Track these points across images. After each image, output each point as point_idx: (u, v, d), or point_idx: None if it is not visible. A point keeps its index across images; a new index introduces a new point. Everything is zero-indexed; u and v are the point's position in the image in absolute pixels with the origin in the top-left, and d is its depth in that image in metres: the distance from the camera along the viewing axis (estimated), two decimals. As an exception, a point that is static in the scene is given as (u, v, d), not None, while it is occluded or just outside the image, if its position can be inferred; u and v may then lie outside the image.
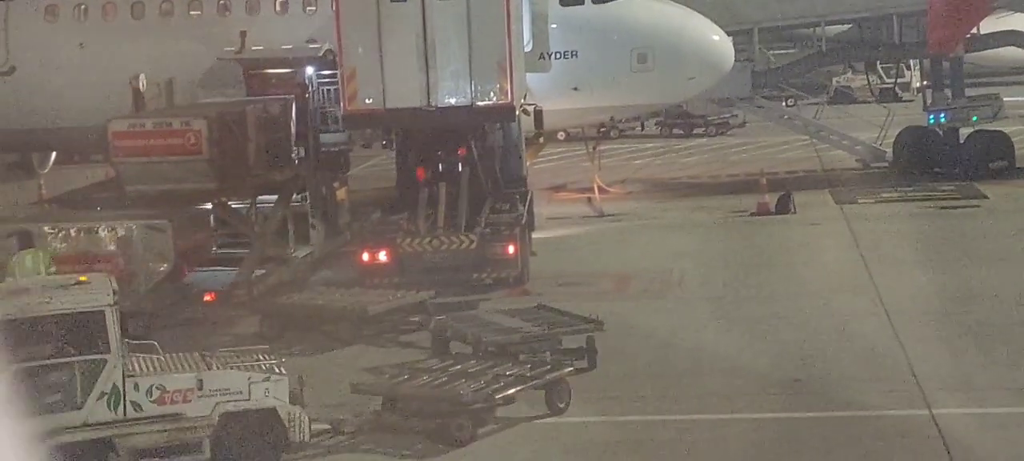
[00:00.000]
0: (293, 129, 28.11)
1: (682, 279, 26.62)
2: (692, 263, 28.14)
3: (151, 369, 16.06)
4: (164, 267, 23.68)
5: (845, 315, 22.96)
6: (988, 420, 17.10)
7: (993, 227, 31.01)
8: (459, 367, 18.47)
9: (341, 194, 30.63)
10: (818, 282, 25.89)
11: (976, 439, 16.26)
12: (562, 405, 17.89)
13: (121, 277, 22.84)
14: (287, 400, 16.17)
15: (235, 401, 15.87)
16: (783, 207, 34.08)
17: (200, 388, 15.77)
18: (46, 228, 23.80)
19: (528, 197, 29.01)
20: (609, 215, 35.02)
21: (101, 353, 15.45)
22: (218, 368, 16.25)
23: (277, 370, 16.44)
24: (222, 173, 25.16)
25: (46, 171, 38.36)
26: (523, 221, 26.94)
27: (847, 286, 25.28)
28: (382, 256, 25.58)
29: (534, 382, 17.95)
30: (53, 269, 21.45)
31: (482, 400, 17.15)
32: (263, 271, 26.33)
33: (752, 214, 34.12)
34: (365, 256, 25.78)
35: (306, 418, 16.28)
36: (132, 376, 15.68)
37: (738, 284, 26.04)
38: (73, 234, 23.66)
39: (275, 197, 27.93)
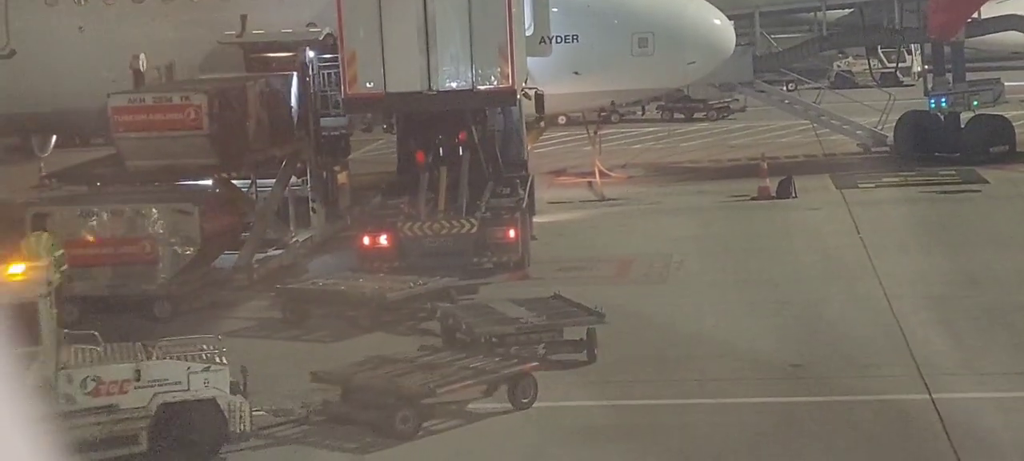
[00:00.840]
0: (294, 104, 28.13)
1: (682, 263, 26.62)
2: (693, 248, 28.13)
3: (88, 361, 15.73)
4: (190, 251, 23.62)
5: (845, 300, 22.96)
6: (988, 404, 17.10)
7: (993, 212, 31.01)
8: (429, 359, 18.21)
9: (342, 178, 30.66)
10: (818, 267, 25.89)
11: (976, 423, 16.27)
12: (525, 400, 17.41)
13: (148, 260, 22.92)
14: (227, 390, 15.81)
15: (173, 392, 15.52)
16: (784, 192, 34.05)
17: (137, 379, 15.41)
18: (75, 211, 23.91)
19: (529, 181, 29.00)
20: (610, 199, 35.00)
21: (32, 346, 15.00)
22: (157, 358, 15.88)
23: (218, 360, 16.10)
24: (222, 148, 25.16)
25: (47, 154, 38.31)
26: (524, 205, 26.92)
27: (847, 271, 25.28)
28: (383, 240, 25.57)
29: (488, 376, 17.51)
30: (60, 252, 21.41)
31: (424, 393, 16.71)
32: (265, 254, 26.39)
33: (753, 199, 34.11)
34: (366, 240, 25.77)
35: (248, 408, 15.97)
36: (65, 368, 15.34)
37: (738, 269, 26.04)
38: (101, 217, 23.67)
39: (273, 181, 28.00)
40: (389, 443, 16.36)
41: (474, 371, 17.59)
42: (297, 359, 20.17)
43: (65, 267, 21.26)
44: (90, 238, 23.40)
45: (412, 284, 22.90)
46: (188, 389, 15.59)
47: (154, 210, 23.71)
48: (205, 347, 16.60)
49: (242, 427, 15.89)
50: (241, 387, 16.24)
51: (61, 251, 21.23)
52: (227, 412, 15.75)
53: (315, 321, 22.66)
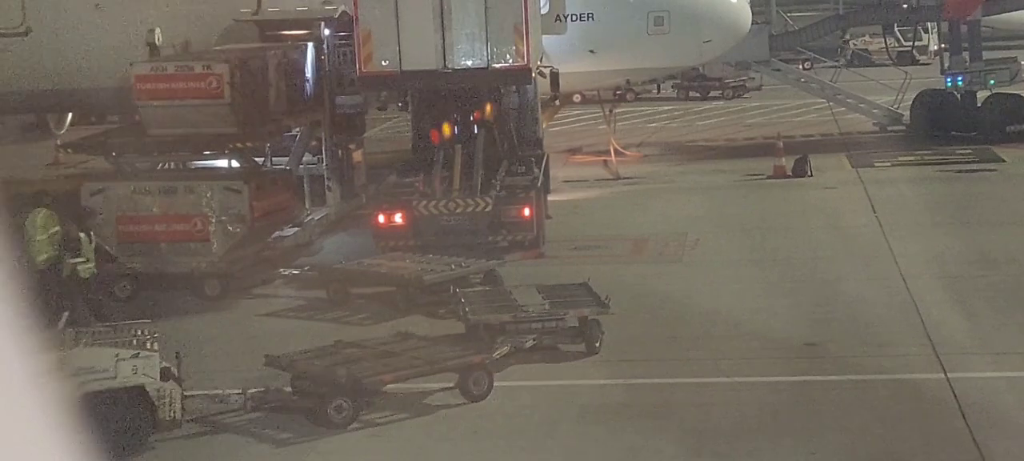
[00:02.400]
0: (309, 76, 28.20)
1: (698, 242, 26.60)
2: (708, 226, 28.12)
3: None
4: (240, 229, 23.64)
5: (861, 279, 22.94)
6: (1004, 384, 17.09)
7: (1010, 191, 30.94)
8: (389, 346, 17.92)
9: (357, 156, 30.69)
10: (834, 246, 25.87)
11: (991, 403, 16.25)
12: (477, 392, 16.99)
13: (199, 238, 22.97)
14: (158, 377, 15.53)
15: (100, 380, 15.17)
16: (799, 170, 34.01)
17: (61, 368, 14.93)
18: (128, 187, 24.00)
19: (544, 160, 29.00)
20: (625, 178, 35.00)
21: None
22: (85, 346, 15.69)
23: (149, 346, 15.85)
24: (243, 117, 25.23)
25: (62, 132, 38.40)
26: (538, 184, 26.92)
27: (863, 250, 25.26)
28: (397, 218, 25.59)
29: (437, 367, 17.18)
30: (55, 229, 21.46)
31: (356, 384, 16.39)
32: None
33: (768, 177, 34.07)
34: (380, 218, 25.79)
35: (179, 395, 15.75)
36: None
37: (754, 248, 26.02)
38: (152, 194, 23.74)
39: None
40: (321, 433, 16.14)
41: (425, 361, 17.26)
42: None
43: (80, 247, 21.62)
44: (143, 214, 23.44)
45: (453, 266, 22.62)
46: (115, 377, 15.27)
47: (205, 187, 23.74)
48: (138, 333, 16.38)
49: (172, 415, 15.64)
50: (174, 373, 15.96)
51: (56, 229, 21.41)
52: (156, 399, 15.46)
53: (358, 302, 22.51)
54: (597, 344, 19.01)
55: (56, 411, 3.38)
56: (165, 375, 15.79)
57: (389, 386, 16.96)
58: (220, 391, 17.32)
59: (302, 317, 22.13)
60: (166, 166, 27.31)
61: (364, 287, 22.90)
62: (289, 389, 17.19)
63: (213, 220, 23.34)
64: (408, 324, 20.41)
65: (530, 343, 18.87)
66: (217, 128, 25.08)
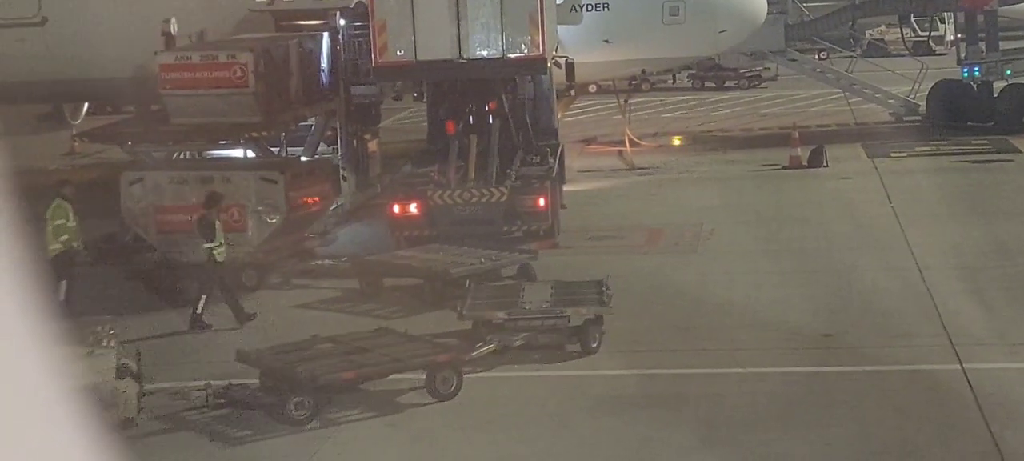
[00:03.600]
0: (326, 64, 28.25)
1: (713, 233, 26.57)
2: (723, 217, 28.08)
3: None
4: (276, 219, 23.64)
5: (876, 270, 22.89)
6: (1019, 375, 17.05)
7: (1027, 182, 30.87)
8: (361, 343, 17.77)
9: (372, 146, 30.69)
10: (849, 236, 25.81)
11: (1007, 394, 16.21)
12: (444, 391, 16.75)
13: (236, 228, 22.99)
14: (113, 375, 15.46)
15: None
16: (815, 161, 33.95)
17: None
18: (165, 177, 24.04)
19: (559, 150, 28.97)
20: (640, 168, 34.96)
21: None
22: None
23: (104, 343, 15.73)
24: (266, 106, 25.30)
25: (78, 122, 38.47)
26: (553, 174, 26.89)
27: (879, 240, 25.20)
28: (412, 208, 25.58)
29: (404, 365, 17.01)
30: (60, 221, 21.54)
31: (314, 381, 16.24)
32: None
33: (784, 168, 34.02)
34: (396, 208, 25.78)
35: (134, 393, 15.69)
36: None
37: (769, 238, 25.98)
38: (190, 183, 23.77)
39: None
40: (279, 432, 16.01)
41: (392, 359, 17.12)
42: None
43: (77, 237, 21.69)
44: (180, 204, 23.48)
45: (482, 260, 22.48)
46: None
47: (241, 177, 23.73)
48: (97, 329, 16.30)
49: (125, 413, 15.58)
50: (133, 370, 15.87)
51: (61, 221, 21.48)
52: (111, 398, 15.36)
53: (390, 295, 22.36)
54: (594, 344, 18.61)
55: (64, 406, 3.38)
56: (123, 372, 15.68)
57: (395, 377, 16.97)
58: (184, 385, 17.23)
59: (333, 309, 21.94)
60: (183, 155, 27.36)
61: (396, 279, 22.74)
62: (257, 384, 17.06)
63: (250, 210, 23.29)
64: (434, 318, 20.39)
65: (519, 341, 18.45)
66: (241, 117, 25.16)
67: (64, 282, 21.35)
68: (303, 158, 28.03)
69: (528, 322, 18.76)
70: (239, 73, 24.90)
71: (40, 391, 3.28)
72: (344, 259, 24.50)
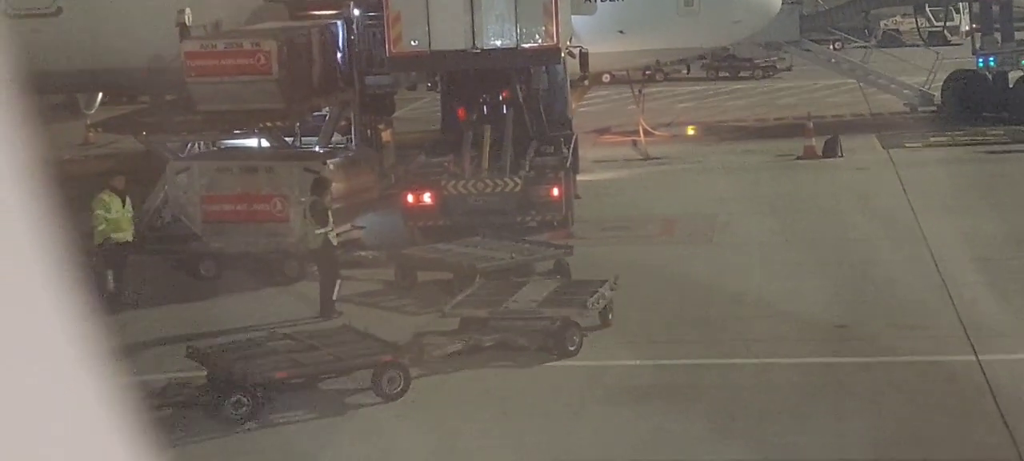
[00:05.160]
0: (341, 54, 28.28)
1: (728, 223, 26.53)
2: (738, 207, 28.04)
3: None
4: None
5: (891, 260, 22.84)
6: (1035, 367, 17.00)
7: (1042, 172, 30.76)
8: (314, 341, 17.55)
9: (386, 136, 30.69)
10: (864, 227, 25.76)
11: (1023, 385, 16.16)
12: (390, 391, 16.53)
13: (279, 219, 23.01)
14: None
15: None
16: (830, 151, 33.91)
17: None
18: (212, 166, 24.13)
19: (573, 140, 28.94)
20: (654, 158, 34.93)
21: None
22: None
23: None
24: (290, 93, 25.43)
25: (92, 112, 38.53)
26: (567, 164, 26.87)
27: (894, 231, 25.14)
28: (426, 198, 25.59)
29: (345, 365, 16.88)
30: (99, 211, 21.71)
31: (246, 379, 16.11)
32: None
33: (799, 158, 33.97)
34: (410, 198, 25.78)
35: None
36: None
37: (784, 228, 25.93)
38: (234, 174, 23.85)
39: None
40: (213, 433, 15.87)
41: (335, 358, 16.99)
42: (388, 330, 19.71)
43: (108, 226, 21.77)
44: (225, 194, 23.54)
45: (512, 256, 22.25)
46: None
47: (284, 168, 23.77)
48: None
49: None
50: None
51: (98, 211, 21.62)
52: None
53: (424, 289, 22.09)
54: (571, 348, 18.11)
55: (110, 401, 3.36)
56: None
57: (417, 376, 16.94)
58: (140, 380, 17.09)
59: (366, 303, 21.70)
60: (200, 145, 27.40)
61: (430, 272, 22.48)
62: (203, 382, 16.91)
63: (292, 201, 23.25)
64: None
65: (489, 342, 18.15)
66: (264, 104, 25.27)
67: (110, 272, 21.49)
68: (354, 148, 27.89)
69: (510, 322, 18.53)
70: (263, 60, 25.06)
71: (77, 387, 3.27)
72: (378, 253, 24.33)
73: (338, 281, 21.07)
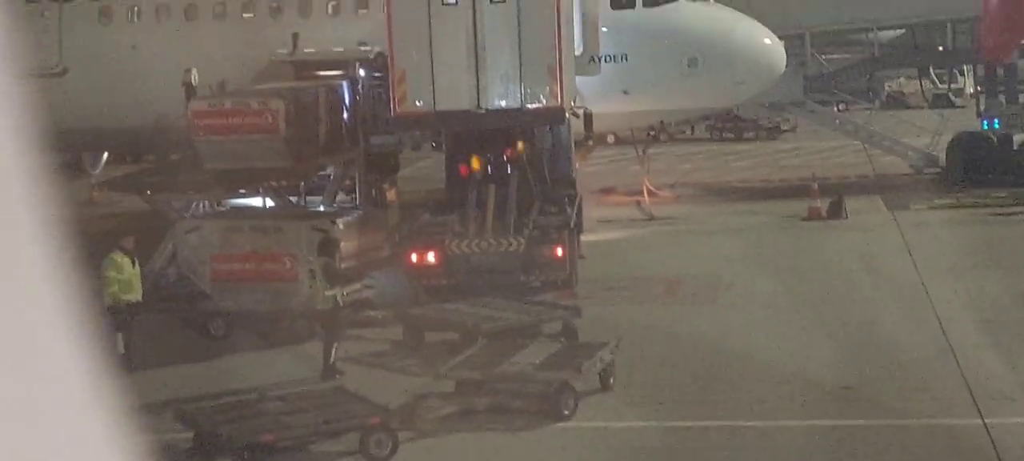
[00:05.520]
0: (347, 113, 28.37)
1: (732, 284, 26.48)
2: (742, 268, 28.00)
3: None
4: None
5: (897, 322, 22.78)
6: (1042, 430, 16.92)
7: (1047, 234, 30.72)
8: (306, 402, 17.50)
9: (390, 195, 30.71)
10: (870, 288, 25.70)
11: (1029, 449, 16.09)
12: (378, 454, 16.36)
13: (288, 278, 22.93)
14: None
15: None
16: (835, 212, 33.89)
17: None
18: (222, 225, 24.15)
19: (577, 200, 28.94)
20: (658, 218, 34.92)
21: None
22: None
23: None
24: (297, 152, 25.50)
25: (98, 171, 38.63)
26: (571, 223, 26.86)
27: (899, 293, 25.09)
28: (430, 257, 25.57)
29: (329, 429, 16.79)
30: (110, 272, 21.64)
31: (239, 443, 16.12)
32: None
33: (803, 219, 33.94)
34: (413, 257, 25.76)
35: None
36: None
37: (789, 289, 25.88)
38: (244, 233, 23.86)
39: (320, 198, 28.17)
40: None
41: (324, 420, 16.90)
42: (389, 391, 19.68)
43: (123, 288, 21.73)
44: (235, 253, 23.54)
45: (518, 316, 22.07)
46: None
47: (293, 227, 23.77)
48: None
49: None
50: None
51: (110, 272, 21.57)
52: None
53: (430, 350, 21.76)
54: (566, 412, 17.87)
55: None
56: None
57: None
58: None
59: (372, 363, 21.55)
60: (205, 204, 27.43)
61: (438, 332, 22.28)
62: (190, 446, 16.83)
63: (301, 260, 23.17)
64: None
65: (483, 405, 18.02)
66: (271, 162, 25.34)
67: (121, 334, 21.40)
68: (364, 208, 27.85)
69: (505, 384, 18.39)
70: (270, 119, 25.14)
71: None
72: (386, 313, 24.24)
73: (336, 343, 20.98)
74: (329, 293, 21.15)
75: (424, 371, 20.51)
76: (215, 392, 19.45)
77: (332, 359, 20.81)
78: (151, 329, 23.24)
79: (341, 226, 24.03)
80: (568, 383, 18.17)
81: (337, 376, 20.35)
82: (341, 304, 21.36)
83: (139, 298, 22.16)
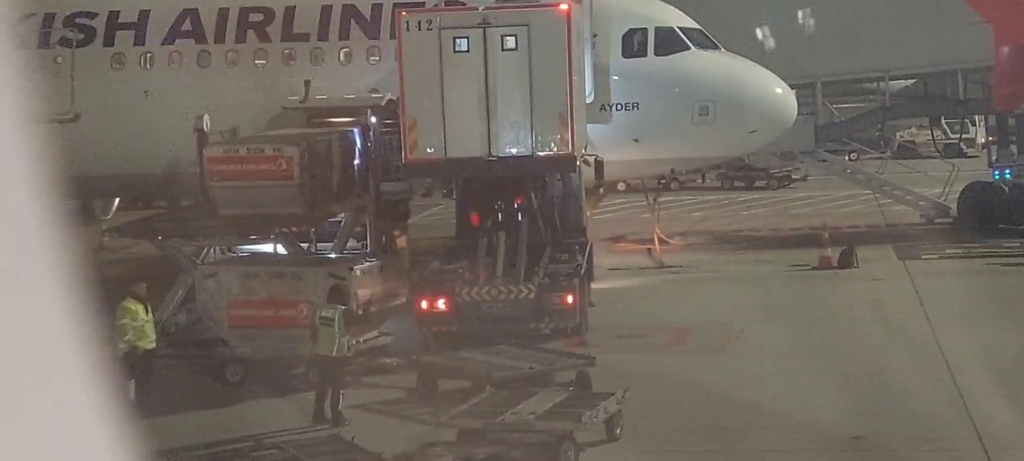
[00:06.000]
0: (358, 160, 28.42)
1: (742, 333, 26.43)
2: (753, 317, 27.94)
3: None
4: None
5: (907, 372, 22.71)
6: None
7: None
8: (299, 452, 17.50)
9: (401, 242, 30.71)
10: (880, 338, 25.64)
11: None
12: None
13: (304, 325, 22.87)
14: None
15: None
16: (846, 262, 33.84)
17: None
18: (239, 271, 24.16)
19: (587, 247, 28.93)
20: (669, 267, 34.89)
21: None
22: None
23: None
24: (310, 199, 25.58)
25: (109, 217, 38.66)
26: (582, 271, 26.83)
27: (910, 343, 25.02)
28: (441, 304, 25.56)
29: None
30: (124, 320, 21.59)
31: None
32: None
33: (814, 268, 33.90)
34: (424, 304, 25.74)
35: None
36: None
37: (799, 339, 25.82)
38: (261, 279, 23.86)
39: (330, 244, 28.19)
40: None
41: None
42: (395, 439, 19.62)
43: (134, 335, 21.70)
44: (252, 299, 23.53)
45: (531, 365, 22.00)
46: None
47: (310, 274, 23.76)
48: None
49: None
50: None
51: (124, 319, 21.56)
52: None
53: (443, 398, 21.55)
54: None
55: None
56: None
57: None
58: None
59: (386, 412, 21.53)
60: (215, 251, 27.46)
61: (451, 380, 22.17)
62: None
63: (318, 308, 23.15)
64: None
65: (482, 455, 17.99)
66: (285, 209, 25.44)
67: (132, 382, 21.35)
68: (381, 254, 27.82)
69: (506, 434, 18.28)
70: (284, 166, 25.23)
71: None
72: (401, 360, 24.13)
73: (342, 391, 20.92)
74: (344, 340, 21.14)
75: (431, 419, 20.50)
76: (209, 440, 19.41)
77: (337, 406, 20.72)
78: (166, 375, 23.21)
79: (358, 273, 23.99)
80: (569, 434, 18.08)
81: (345, 423, 20.30)
82: (349, 352, 21.32)
83: (152, 345, 22.13)
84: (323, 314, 21.40)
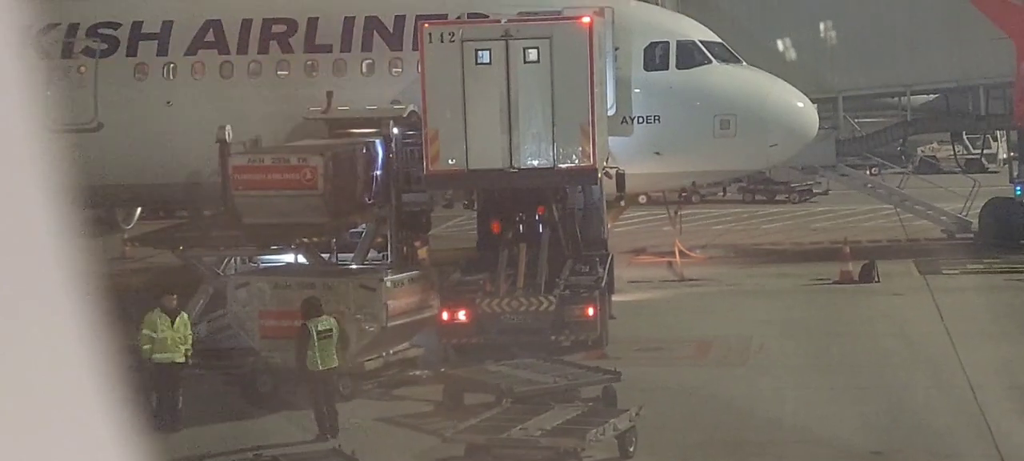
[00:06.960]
0: (380, 171, 28.49)
1: (763, 346, 26.40)
2: (773, 331, 27.91)
3: None
4: (374, 328, 23.40)
5: (928, 387, 22.66)
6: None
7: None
8: None
9: (422, 253, 30.78)
10: (901, 353, 25.58)
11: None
12: None
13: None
14: None
15: None
16: (866, 276, 33.77)
17: None
18: (270, 282, 24.16)
19: (608, 260, 28.96)
20: (690, 280, 34.87)
21: None
22: None
23: None
24: (334, 208, 25.67)
25: (131, 226, 38.81)
26: (603, 284, 26.86)
27: (930, 358, 24.95)
28: (461, 316, 25.57)
29: None
30: (146, 331, 21.58)
31: None
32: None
33: (835, 282, 33.83)
34: (445, 315, 25.75)
35: None
36: None
37: (819, 353, 25.78)
38: (292, 290, 23.80)
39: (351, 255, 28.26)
40: None
41: None
42: (407, 455, 19.70)
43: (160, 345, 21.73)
44: (283, 310, 23.47)
45: (555, 380, 21.89)
46: None
47: (341, 285, 23.78)
48: None
49: None
50: None
51: (147, 331, 21.58)
52: None
53: (467, 411, 21.34)
54: None
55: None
56: None
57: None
58: None
59: (409, 425, 21.45)
60: (236, 261, 27.58)
61: (476, 393, 22.11)
62: None
63: (348, 318, 22.98)
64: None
65: None
66: (308, 218, 25.52)
67: (155, 394, 21.35)
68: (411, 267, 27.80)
69: (511, 451, 18.25)
70: (309, 176, 25.34)
71: None
72: (443, 370, 24.02)
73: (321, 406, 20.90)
74: (337, 353, 21.13)
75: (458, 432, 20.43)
76: (207, 452, 19.41)
77: (334, 419, 20.68)
78: (193, 386, 23.12)
79: (389, 283, 23.98)
80: (574, 451, 18.01)
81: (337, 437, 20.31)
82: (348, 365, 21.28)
83: (178, 359, 21.88)
84: (321, 327, 21.28)
